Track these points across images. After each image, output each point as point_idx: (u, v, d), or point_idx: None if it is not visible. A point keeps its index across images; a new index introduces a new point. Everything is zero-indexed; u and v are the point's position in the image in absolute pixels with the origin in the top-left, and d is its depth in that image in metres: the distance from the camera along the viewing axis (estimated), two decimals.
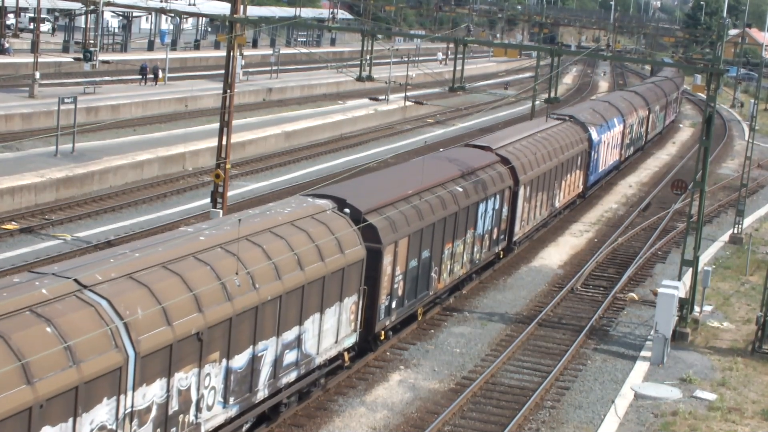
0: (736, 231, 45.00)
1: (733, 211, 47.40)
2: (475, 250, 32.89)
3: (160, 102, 63.92)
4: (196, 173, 47.54)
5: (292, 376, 21.76)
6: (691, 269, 31.98)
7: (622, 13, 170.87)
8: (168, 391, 17.29)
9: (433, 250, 28.88)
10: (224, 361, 18.92)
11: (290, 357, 21.54)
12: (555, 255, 40.35)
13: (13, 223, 35.92)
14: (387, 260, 25.53)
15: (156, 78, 72.65)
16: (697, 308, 32.54)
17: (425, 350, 28.16)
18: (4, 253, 32.43)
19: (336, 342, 23.56)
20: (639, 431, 23.90)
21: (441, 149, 41.46)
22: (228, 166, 35.59)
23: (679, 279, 32.70)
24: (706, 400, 25.86)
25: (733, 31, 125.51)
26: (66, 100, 45.18)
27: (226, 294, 18.84)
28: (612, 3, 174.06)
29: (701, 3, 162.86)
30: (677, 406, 25.27)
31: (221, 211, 35.11)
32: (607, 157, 54.07)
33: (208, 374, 18.47)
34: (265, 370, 20.58)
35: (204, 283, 18.36)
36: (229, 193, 37.55)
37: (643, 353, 28.96)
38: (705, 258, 40.07)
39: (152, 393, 16.93)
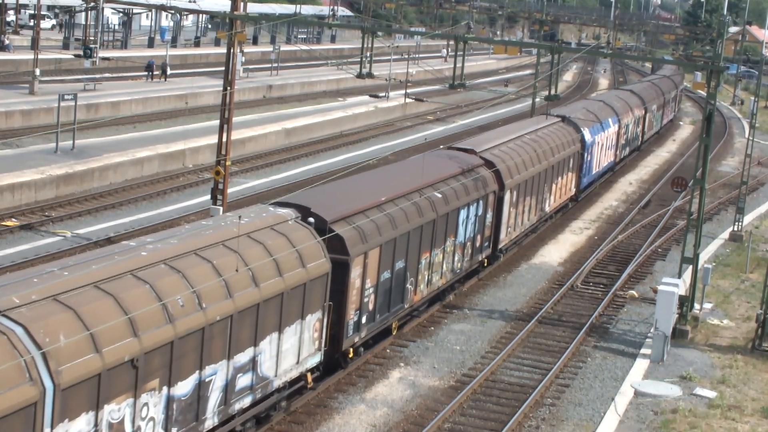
0: (736, 228, 45.00)
1: (734, 208, 47.40)
2: (456, 259, 31.33)
3: (160, 99, 63.90)
4: (196, 170, 47.53)
5: (247, 401, 20.21)
6: (691, 267, 31.98)
7: (622, 11, 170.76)
8: (96, 425, 15.76)
9: (409, 261, 27.25)
10: (165, 388, 17.35)
11: (244, 381, 19.99)
12: (555, 252, 40.35)
13: (13, 219, 35.92)
14: (355, 273, 23.98)
15: (164, 74, 72.77)
16: (697, 306, 32.55)
17: (425, 347, 28.16)
18: (4, 249, 32.44)
19: (297, 362, 21.94)
20: (639, 429, 23.90)
21: (426, 152, 39.19)
22: (228, 163, 35.58)
23: (679, 276, 32.69)
24: (706, 398, 25.86)
25: (733, 29, 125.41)
26: (66, 97, 45.17)
27: (167, 315, 17.23)
28: (612, 0, 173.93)
29: (701, 0, 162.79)
30: (677, 404, 25.27)
31: (221, 208, 35.12)
32: (601, 159, 52.40)
33: (146, 404, 16.92)
34: (215, 396, 19.01)
35: (141, 304, 16.80)
36: (229, 190, 37.55)
37: (643, 351, 28.96)
38: (705, 255, 40.07)
39: (76, 428, 15.34)
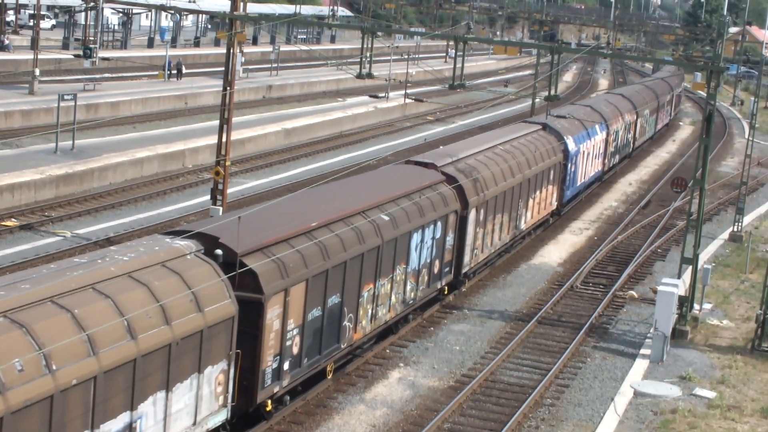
0: (735, 229, 45.00)
1: (733, 209, 47.41)
2: (409, 288, 27.85)
3: (159, 99, 63.90)
4: (195, 170, 47.53)
5: None
6: (690, 267, 31.98)
7: (622, 11, 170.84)
8: None
9: (346, 295, 23.87)
10: None
11: None
12: (555, 253, 40.35)
13: (13, 220, 35.92)
14: (273, 313, 20.73)
15: (180, 74, 73.03)
16: (696, 306, 32.55)
17: (425, 348, 28.17)
18: (3, 250, 32.45)
19: (195, 424, 18.72)
20: (638, 429, 23.90)
21: (379, 168, 34.81)
22: (228, 163, 35.58)
23: (679, 277, 32.68)
24: (706, 398, 25.86)
25: (733, 29, 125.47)
26: (66, 97, 45.18)
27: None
28: (612, 1, 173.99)
29: (701, 1, 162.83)
30: (677, 404, 25.27)
31: (221, 208, 35.12)
32: (587, 169, 48.77)
33: None
34: None
35: None
36: (229, 191, 37.56)
37: (642, 351, 28.96)
38: (705, 256, 40.07)
39: None
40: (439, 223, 29.43)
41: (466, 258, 32.25)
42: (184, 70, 74.09)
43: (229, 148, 35.67)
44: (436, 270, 29.82)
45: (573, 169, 45.18)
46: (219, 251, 19.87)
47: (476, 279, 34.83)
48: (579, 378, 26.93)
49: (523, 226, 38.54)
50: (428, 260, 29.02)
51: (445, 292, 31.66)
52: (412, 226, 27.35)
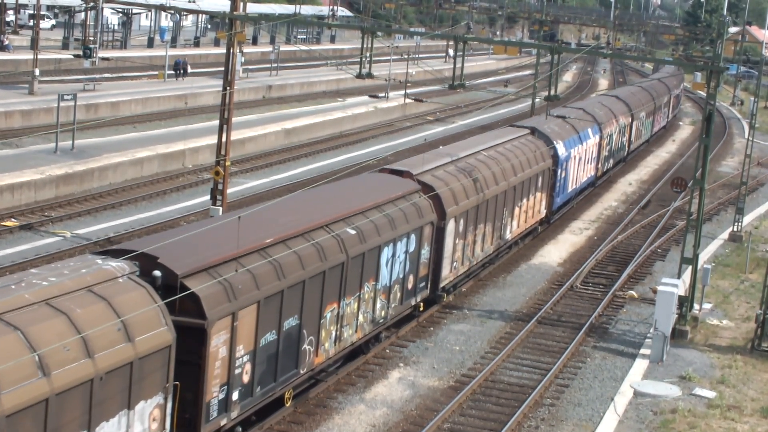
0: (735, 229, 45.01)
1: (733, 208, 47.42)
2: (379, 306, 26.00)
3: (159, 99, 63.91)
4: (195, 170, 47.54)
5: None
6: (690, 267, 31.99)
7: (622, 11, 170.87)
8: None
9: (305, 316, 22.12)
10: None
11: None
12: (554, 252, 40.36)
13: (13, 219, 35.93)
14: (218, 340, 18.88)
15: (185, 73, 73.30)
16: (696, 306, 32.56)
17: (425, 348, 28.17)
18: (3, 250, 32.46)
19: None
20: (638, 429, 23.92)
21: (349, 178, 31.06)
22: (228, 163, 35.60)
23: (679, 277, 32.70)
24: (706, 398, 25.88)
25: (733, 29, 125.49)
26: (66, 97, 45.19)
27: None
28: (612, 0, 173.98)
29: (701, 1, 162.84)
30: (676, 404, 25.28)
31: (221, 208, 35.13)
32: (578, 174, 46.83)
33: None
34: None
35: None
36: (229, 191, 37.59)
37: (642, 351, 28.98)
38: (705, 256, 40.08)
39: None
40: (412, 236, 27.52)
41: (445, 271, 30.44)
42: (189, 70, 74.36)
43: (229, 148, 35.69)
44: (410, 286, 27.99)
45: (563, 175, 43.45)
46: (157, 273, 18.09)
47: (476, 278, 34.58)
48: (579, 378, 26.94)
49: (508, 235, 36.81)
50: (401, 276, 27.17)
51: (421, 309, 29.76)
52: (382, 239, 25.49)
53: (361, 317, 25.06)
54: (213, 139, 45.15)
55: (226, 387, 19.46)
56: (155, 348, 17.04)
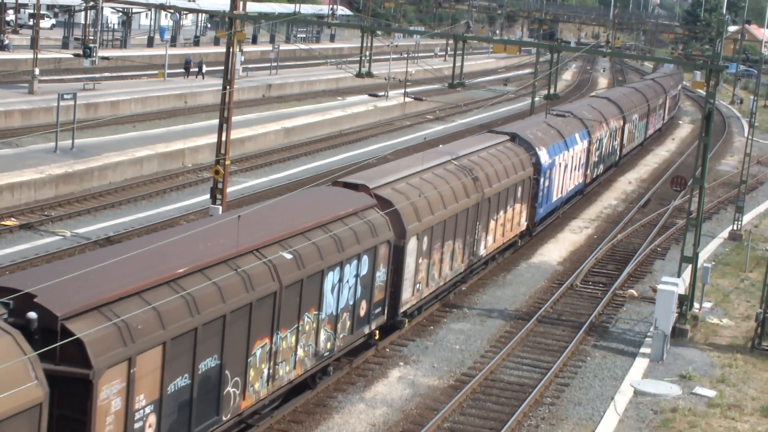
0: (735, 227, 45.01)
1: (733, 207, 47.43)
2: (323, 338, 23.26)
3: (159, 98, 63.91)
4: (195, 169, 47.54)
5: None
6: (690, 266, 31.99)
7: (621, 10, 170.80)
8: None
9: (227, 355, 19.30)
10: None
11: None
12: (554, 251, 40.36)
13: (13, 219, 35.93)
14: (110, 391, 16.16)
15: (200, 72, 73.53)
16: (696, 305, 32.56)
17: (424, 347, 28.17)
18: (3, 249, 32.45)
19: None
20: (638, 428, 23.92)
21: (293, 192, 28.71)
22: (227, 162, 35.59)
23: (679, 275, 32.70)
24: (706, 397, 25.88)
25: (732, 28, 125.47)
26: (65, 97, 45.18)
27: None
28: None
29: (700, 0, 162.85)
30: (677, 403, 25.28)
31: (220, 208, 35.14)
32: (564, 183, 43.85)
33: None
34: None
35: None
36: (229, 190, 37.60)
37: (642, 350, 28.98)
38: (704, 254, 40.09)
39: None
40: (364, 257, 24.59)
41: (405, 294, 27.47)
42: (205, 69, 75.24)
43: (229, 147, 35.68)
44: (362, 313, 25.13)
45: (547, 184, 40.59)
46: (33, 314, 15.34)
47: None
48: (579, 377, 26.94)
49: (482, 252, 33.88)
50: (350, 302, 24.34)
51: (376, 337, 26.71)
52: (325, 263, 22.62)
53: (300, 352, 22.29)
54: (213, 138, 45.17)
55: None
56: (20, 408, 14.21)
